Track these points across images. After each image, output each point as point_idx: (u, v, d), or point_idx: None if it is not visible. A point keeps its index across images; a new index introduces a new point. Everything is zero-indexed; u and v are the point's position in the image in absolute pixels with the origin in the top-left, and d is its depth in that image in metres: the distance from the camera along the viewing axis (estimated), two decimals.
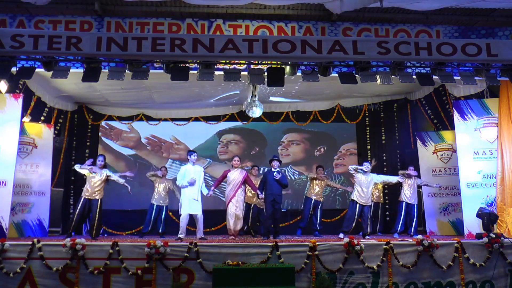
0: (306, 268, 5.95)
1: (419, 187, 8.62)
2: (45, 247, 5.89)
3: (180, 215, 7.28)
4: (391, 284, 6.02)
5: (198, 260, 5.88)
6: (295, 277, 5.73)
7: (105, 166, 7.55)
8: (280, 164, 7.82)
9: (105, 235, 9.05)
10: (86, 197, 7.33)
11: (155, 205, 8.31)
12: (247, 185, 7.67)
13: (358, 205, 7.50)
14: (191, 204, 7.25)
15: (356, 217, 7.51)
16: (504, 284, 6.21)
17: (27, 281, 5.79)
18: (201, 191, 7.46)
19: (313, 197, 8.62)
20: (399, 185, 8.51)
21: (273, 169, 7.61)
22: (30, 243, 5.91)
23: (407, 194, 8.25)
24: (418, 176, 8.51)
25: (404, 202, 8.26)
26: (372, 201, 8.85)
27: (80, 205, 7.33)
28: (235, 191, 7.42)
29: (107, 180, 7.49)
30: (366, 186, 7.55)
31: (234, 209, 7.37)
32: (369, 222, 7.63)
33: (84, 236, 7.13)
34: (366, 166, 7.63)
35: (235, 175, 7.52)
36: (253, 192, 8.40)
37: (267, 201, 7.51)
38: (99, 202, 7.34)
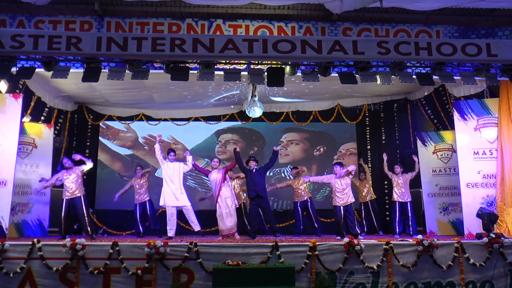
0: (306, 268, 5.95)
1: (417, 186, 8.62)
2: (45, 247, 5.89)
3: (165, 207, 7.38)
4: (391, 284, 6.02)
5: (198, 260, 5.88)
6: (295, 277, 5.72)
7: (72, 166, 7.54)
8: (257, 164, 7.79)
9: (105, 235, 9.05)
10: (67, 198, 7.36)
11: (137, 205, 8.45)
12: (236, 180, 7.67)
13: (341, 208, 7.52)
14: (174, 196, 7.35)
15: (343, 220, 7.53)
16: (504, 284, 6.20)
17: (27, 281, 5.78)
18: (184, 186, 7.55)
19: (299, 200, 8.66)
20: (389, 185, 8.54)
21: (250, 168, 7.63)
22: (30, 243, 5.90)
23: (398, 193, 8.32)
24: (406, 171, 8.51)
25: (397, 202, 8.32)
26: (362, 203, 8.95)
27: (63, 207, 7.37)
28: (218, 190, 7.49)
29: (82, 174, 7.56)
30: (341, 187, 7.54)
31: (220, 211, 7.41)
32: (356, 222, 7.65)
33: (84, 236, 7.12)
34: (337, 169, 7.66)
35: (214, 175, 7.62)
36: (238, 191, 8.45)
37: (250, 198, 7.55)
38: (82, 199, 7.37)
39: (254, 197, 7.47)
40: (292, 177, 9.05)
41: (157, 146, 7.53)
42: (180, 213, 7.61)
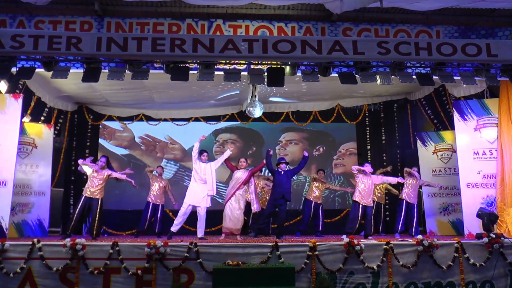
0: (306, 268, 5.96)
1: (420, 187, 8.62)
2: (45, 247, 5.90)
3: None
4: (391, 284, 6.02)
5: (198, 260, 5.89)
6: (295, 277, 5.72)
7: (105, 167, 7.60)
8: (287, 166, 7.81)
9: (105, 235, 9.05)
10: (87, 196, 7.35)
11: (151, 204, 8.32)
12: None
13: (360, 205, 7.54)
14: (197, 195, 7.32)
15: (359, 218, 7.52)
16: (504, 284, 6.21)
17: (27, 281, 5.78)
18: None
19: (313, 200, 8.64)
20: (400, 184, 8.52)
21: (280, 170, 7.62)
22: (30, 243, 5.91)
23: (409, 193, 8.27)
24: (401, 172, 8.55)
25: (404, 201, 8.27)
26: (374, 202, 8.92)
27: (80, 203, 7.34)
28: (235, 189, 7.45)
29: (108, 179, 7.54)
30: (368, 186, 7.58)
31: (231, 210, 7.37)
32: (372, 223, 7.66)
33: (84, 236, 7.13)
34: (368, 167, 7.72)
35: (240, 174, 7.56)
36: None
37: (272, 198, 7.51)
38: (99, 202, 7.37)
39: (280, 198, 7.41)
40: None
41: (196, 145, 7.47)
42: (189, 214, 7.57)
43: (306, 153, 7.82)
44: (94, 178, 7.41)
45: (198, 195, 7.34)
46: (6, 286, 5.75)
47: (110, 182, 7.99)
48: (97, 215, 7.31)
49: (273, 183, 7.71)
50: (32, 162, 8.25)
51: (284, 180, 7.50)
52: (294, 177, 10.13)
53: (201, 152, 7.63)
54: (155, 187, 8.35)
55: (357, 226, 7.51)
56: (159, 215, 8.32)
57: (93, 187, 7.36)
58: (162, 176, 8.60)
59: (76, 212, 7.31)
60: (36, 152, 8.31)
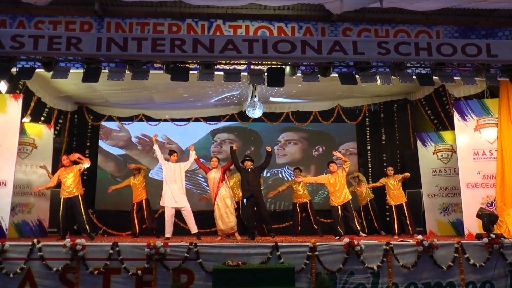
0: (306, 268, 5.96)
1: (417, 186, 8.61)
2: (45, 248, 5.90)
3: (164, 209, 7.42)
4: (391, 285, 6.01)
5: (198, 261, 5.88)
6: (295, 277, 5.72)
7: (70, 163, 7.52)
8: (253, 164, 7.72)
9: (105, 235, 9.05)
10: (65, 197, 7.31)
11: (135, 204, 8.36)
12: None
13: (338, 207, 7.60)
14: (174, 197, 7.35)
15: (340, 219, 7.58)
16: (504, 284, 6.20)
17: (27, 282, 5.78)
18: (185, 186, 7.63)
19: (298, 201, 8.66)
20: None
21: (246, 168, 7.59)
22: (30, 243, 5.91)
23: (392, 196, 8.33)
24: (403, 172, 8.56)
25: (391, 206, 8.34)
26: (361, 207, 8.98)
27: (62, 207, 7.32)
28: (216, 189, 7.45)
29: (80, 172, 7.49)
30: (337, 184, 7.64)
31: (218, 209, 7.36)
32: (356, 219, 7.78)
33: (83, 236, 7.11)
34: (331, 167, 7.80)
35: (213, 174, 7.56)
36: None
37: (244, 197, 7.53)
38: (79, 198, 7.30)
39: (249, 197, 7.44)
40: (293, 178, 9.04)
41: (156, 147, 7.53)
42: (180, 214, 7.60)
43: (269, 148, 7.78)
44: (66, 178, 7.34)
45: (174, 196, 7.36)
46: (6, 287, 5.75)
47: (107, 183, 8.03)
48: (82, 212, 7.25)
49: (241, 181, 7.68)
50: (32, 162, 8.25)
51: (251, 178, 7.47)
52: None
53: (170, 153, 7.66)
54: (135, 186, 8.38)
55: (341, 228, 7.54)
56: (145, 211, 8.32)
57: (68, 187, 7.30)
58: (139, 174, 8.53)
59: (60, 216, 7.31)
60: (36, 152, 8.31)
